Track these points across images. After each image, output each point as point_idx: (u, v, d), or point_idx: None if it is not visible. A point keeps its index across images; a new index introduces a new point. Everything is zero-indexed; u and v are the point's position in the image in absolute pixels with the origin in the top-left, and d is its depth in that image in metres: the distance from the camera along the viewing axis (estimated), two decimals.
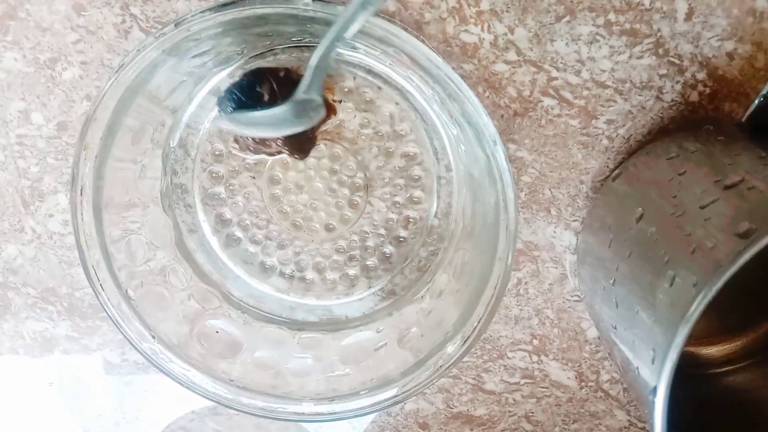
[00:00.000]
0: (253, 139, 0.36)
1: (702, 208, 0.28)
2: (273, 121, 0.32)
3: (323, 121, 0.36)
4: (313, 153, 0.37)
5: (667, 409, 0.25)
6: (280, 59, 0.36)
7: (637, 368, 0.29)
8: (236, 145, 0.37)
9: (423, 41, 0.30)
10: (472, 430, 0.44)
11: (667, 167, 0.34)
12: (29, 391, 0.45)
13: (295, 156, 0.37)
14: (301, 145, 0.36)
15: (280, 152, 0.37)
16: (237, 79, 0.35)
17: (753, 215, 0.25)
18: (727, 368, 0.37)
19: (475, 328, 0.33)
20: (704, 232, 0.27)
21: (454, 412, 0.44)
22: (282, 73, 0.35)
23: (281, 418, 0.35)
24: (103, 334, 0.43)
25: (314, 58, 0.30)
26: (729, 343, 0.38)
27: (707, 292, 0.23)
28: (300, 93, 0.32)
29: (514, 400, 0.43)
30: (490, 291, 0.32)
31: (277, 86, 0.34)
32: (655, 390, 0.25)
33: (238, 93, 0.34)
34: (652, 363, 0.26)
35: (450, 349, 0.34)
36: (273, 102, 0.34)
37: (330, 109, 0.36)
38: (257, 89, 0.34)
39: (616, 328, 0.32)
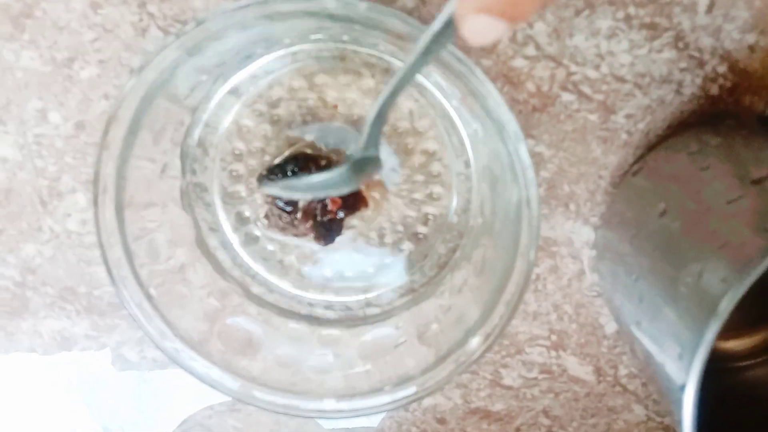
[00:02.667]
0: (283, 219, 0.37)
1: (728, 203, 0.27)
2: (330, 184, 0.32)
3: (355, 211, 0.37)
4: None
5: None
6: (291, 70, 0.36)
7: (663, 363, 0.28)
8: (266, 221, 0.38)
9: None
10: (489, 425, 0.44)
11: (688, 162, 0.34)
12: (48, 389, 0.45)
13: (319, 242, 0.37)
14: (327, 232, 0.37)
15: (305, 235, 0.37)
16: (279, 161, 0.36)
17: None
18: (749, 362, 0.37)
19: (497, 325, 0.33)
20: (730, 228, 0.27)
21: (472, 407, 0.44)
22: (323, 162, 0.35)
23: (302, 415, 0.35)
24: (122, 332, 0.43)
25: (372, 111, 0.29)
26: (751, 336, 0.38)
27: (738, 288, 0.23)
28: (359, 151, 0.30)
29: (532, 395, 0.43)
30: (512, 287, 0.32)
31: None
32: (683, 387, 0.25)
33: (279, 177, 0.35)
34: (680, 359, 0.26)
35: (471, 345, 0.34)
36: None
37: (361, 201, 0.37)
38: (297, 174, 0.35)
39: (639, 323, 0.32)
